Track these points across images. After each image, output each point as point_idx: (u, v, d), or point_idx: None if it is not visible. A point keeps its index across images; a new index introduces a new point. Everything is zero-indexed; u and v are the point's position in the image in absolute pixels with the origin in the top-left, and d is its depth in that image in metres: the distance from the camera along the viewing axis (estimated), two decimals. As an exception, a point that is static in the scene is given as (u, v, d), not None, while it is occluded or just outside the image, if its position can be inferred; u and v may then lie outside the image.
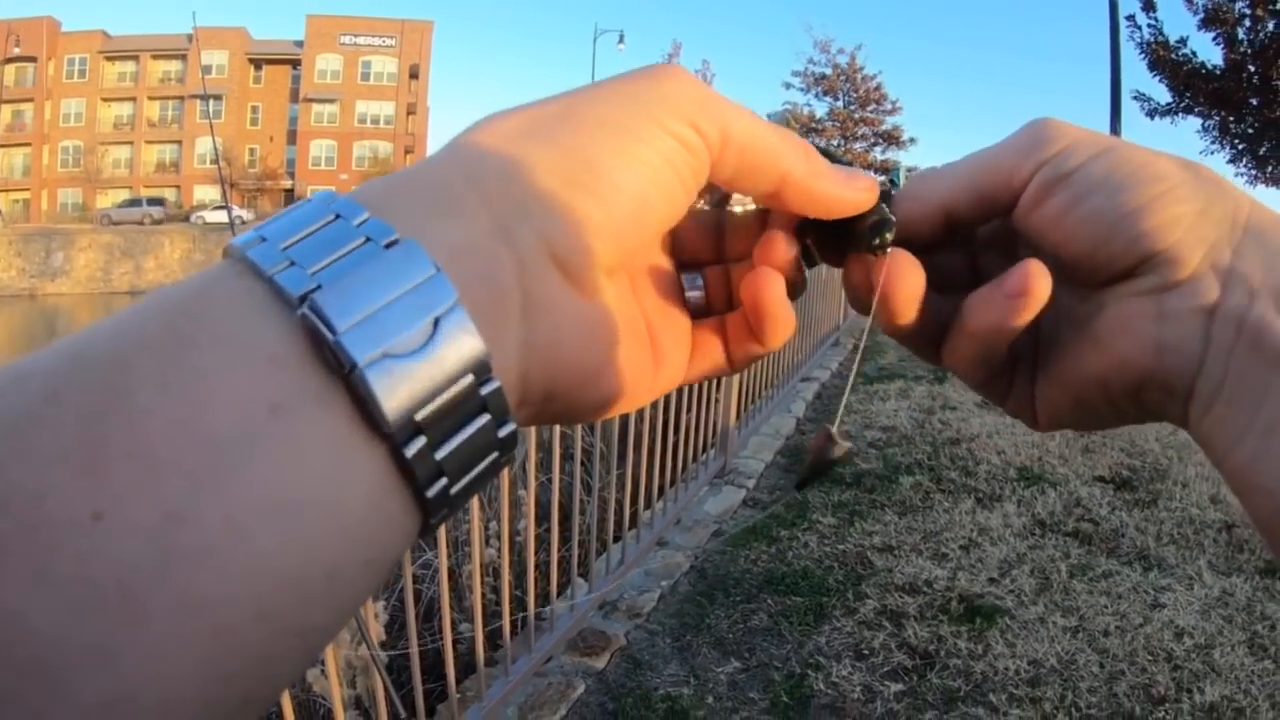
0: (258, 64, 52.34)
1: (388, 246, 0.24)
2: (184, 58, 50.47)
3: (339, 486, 0.22)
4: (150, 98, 50.97)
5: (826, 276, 6.97)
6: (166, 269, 37.72)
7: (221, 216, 40.96)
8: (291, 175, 51.92)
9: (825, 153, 0.35)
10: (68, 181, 49.91)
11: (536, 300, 0.27)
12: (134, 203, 44.64)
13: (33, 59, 49.50)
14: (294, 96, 52.27)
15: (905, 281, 0.35)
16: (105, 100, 50.97)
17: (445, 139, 0.30)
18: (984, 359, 0.36)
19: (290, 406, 0.21)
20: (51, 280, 37.14)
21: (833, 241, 0.38)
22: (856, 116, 40.54)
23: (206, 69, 49.83)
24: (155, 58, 50.80)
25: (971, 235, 0.39)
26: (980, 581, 3.17)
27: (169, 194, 48.85)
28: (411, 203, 0.26)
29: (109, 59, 50.94)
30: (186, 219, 42.49)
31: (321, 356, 0.22)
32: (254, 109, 52.02)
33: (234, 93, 51.16)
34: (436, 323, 0.23)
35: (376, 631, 2.17)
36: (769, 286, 0.35)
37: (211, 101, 50.37)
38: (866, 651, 2.74)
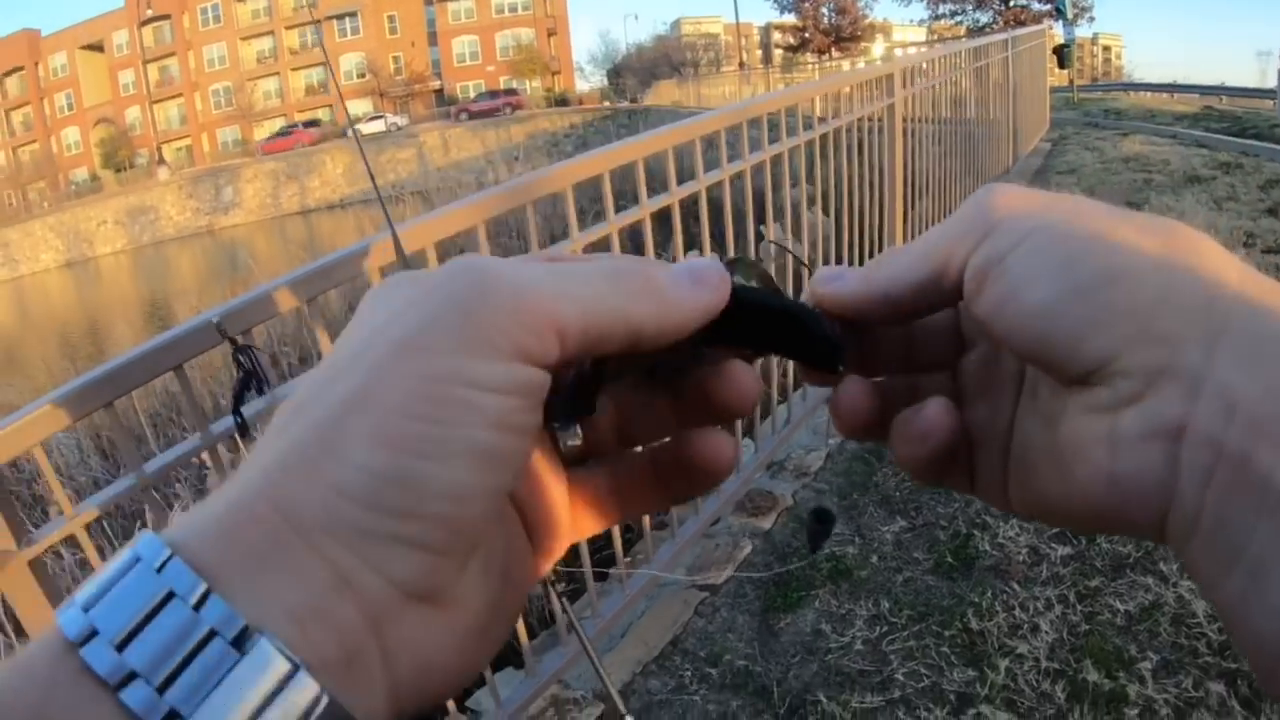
0: (387, -27, 52.81)
1: (235, 641, 0.22)
2: (313, -18, 51.61)
3: None
4: (287, 28, 52.67)
5: (993, 116, 6.54)
6: (331, 184, 39.72)
7: (378, 126, 42.75)
8: (438, 75, 52.95)
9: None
10: (224, 121, 53.15)
11: (395, 644, 0.25)
12: (290, 128, 46.53)
13: (166, 16, 52.25)
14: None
15: (853, 406, 0.33)
16: (244, 39, 53.33)
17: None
18: (923, 470, 0.33)
19: None
20: (225, 214, 39.79)
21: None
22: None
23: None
24: (285, -11, 52.21)
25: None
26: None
27: (322, 114, 50.72)
28: (244, 560, 0.23)
29: (239, 0, 52.60)
30: (343, 134, 44.17)
31: None
32: (390, 18, 52.93)
33: (368, 6, 52.06)
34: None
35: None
36: (731, 451, 0.33)
37: (348, 19, 51.39)
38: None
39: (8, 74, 54.65)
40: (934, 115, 4.88)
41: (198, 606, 0.22)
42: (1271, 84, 12.60)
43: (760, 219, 3.04)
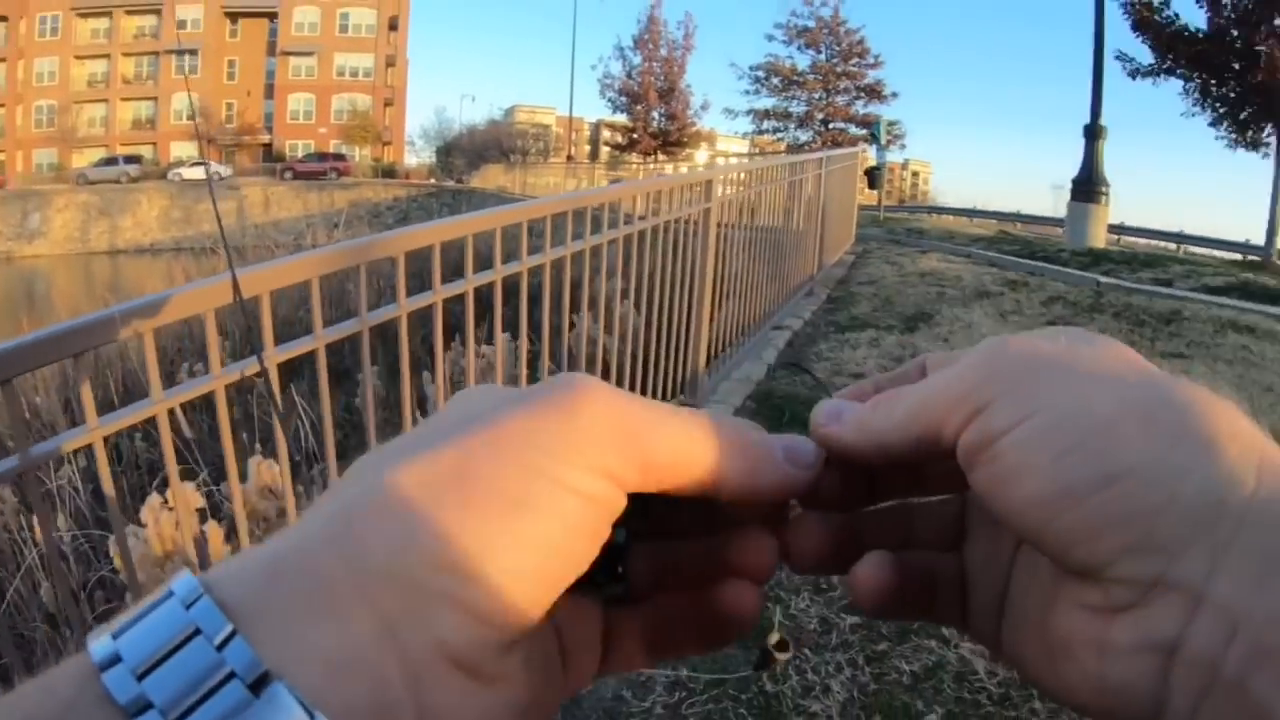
0: (234, 17, 51.41)
1: (253, 686, 0.21)
2: (158, 12, 49.56)
3: None
4: (125, 54, 50.09)
5: (801, 227, 6.98)
6: (144, 227, 37.38)
7: (199, 173, 40.59)
8: (269, 130, 51.40)
9: None
10: (43, 142, 49.12)
11: (431, 709, 0.24)
12: (110, 161, 44.12)
13: (3, 19, 48.47)
14: (271, 50, 51.42)
15: (809, 546, 0.33)
16: (79, 58, 49.96)
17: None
18: (882, 613, 0.33)
19: None
20: (29, 242, 36.76)
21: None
22: (839, 70, 40.53)
23: (181, 24, 49.12)
24: (129, 13, 49.81)
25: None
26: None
27: (146, 151, 48.27)
28: (284, 602, 0.23)
29: (81, 16, 49.83)
30: (164, 176, 42.02)
31: None
32: (231, 63, 51.14)
33: (210, 47, 50.22)
34: None
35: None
36: (752, 602, 0.32)
37: (187, 57, 49.62)
38: (825, 586, 2.83)
39: None
40: (748, 223, 5.18)
41: (221, 647, 0.22)
42: (1062, 214, 14.13)
43: (575, 308, 3.20)
